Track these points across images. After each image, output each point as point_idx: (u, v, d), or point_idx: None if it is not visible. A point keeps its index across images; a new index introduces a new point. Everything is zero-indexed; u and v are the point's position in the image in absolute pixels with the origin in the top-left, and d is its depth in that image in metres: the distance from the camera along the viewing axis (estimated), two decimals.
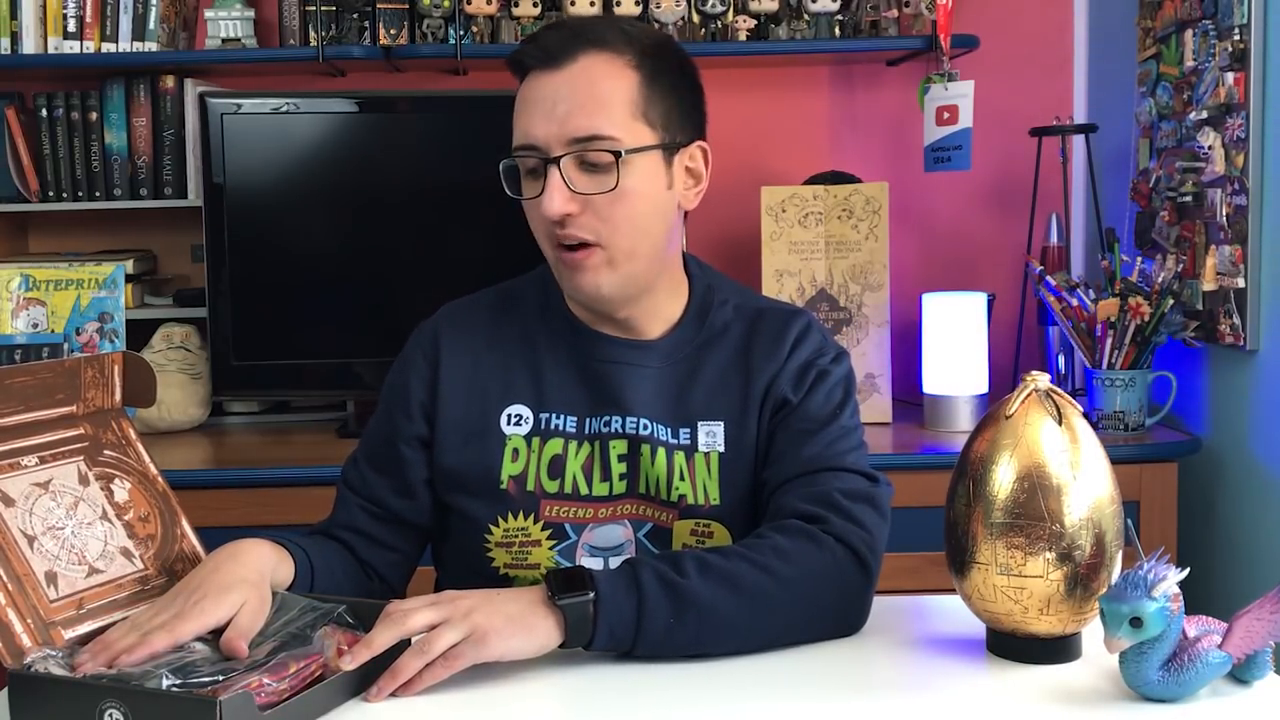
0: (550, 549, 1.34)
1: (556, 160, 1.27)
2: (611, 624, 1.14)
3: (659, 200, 1.32)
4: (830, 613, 1.23)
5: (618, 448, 1.35)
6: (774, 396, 1.36)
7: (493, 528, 1.35)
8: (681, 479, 1.34)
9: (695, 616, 1.16)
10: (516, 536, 1.35)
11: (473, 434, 1.36)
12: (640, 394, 1.36)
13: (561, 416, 1.36)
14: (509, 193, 1.33)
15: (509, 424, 1.36)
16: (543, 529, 1.34)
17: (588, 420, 1.36)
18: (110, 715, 0.97)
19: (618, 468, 1.35)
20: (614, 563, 1.34)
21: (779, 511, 1.29)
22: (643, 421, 1.35)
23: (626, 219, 1.29)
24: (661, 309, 1.39)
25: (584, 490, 1.35)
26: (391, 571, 1.41)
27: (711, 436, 1.35)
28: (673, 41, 1.40)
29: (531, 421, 1.36)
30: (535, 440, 1.36)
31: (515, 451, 1.36)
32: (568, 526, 1.35)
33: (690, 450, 1.35)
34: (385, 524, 1.39)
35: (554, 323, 1.40)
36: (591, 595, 1.14)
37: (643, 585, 1.15)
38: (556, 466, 1.35)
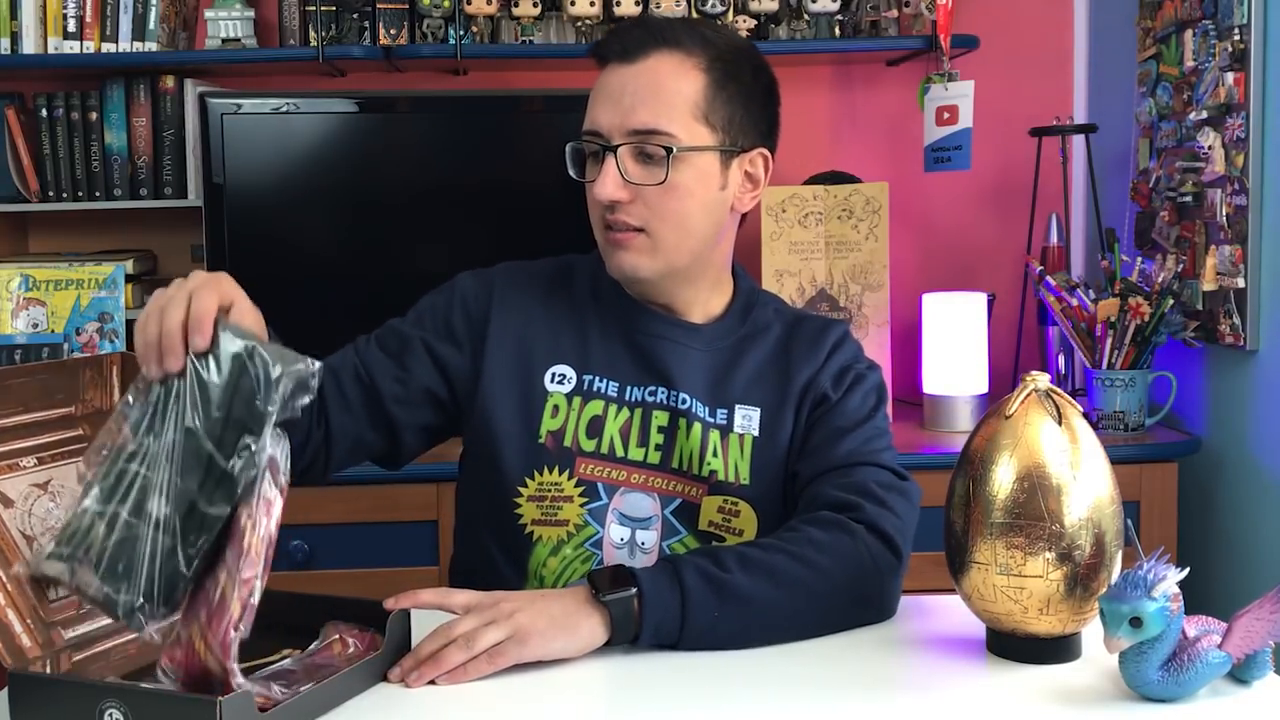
0: (581, 506, 1.38)
1: (615, 148, 1.34)
2: (658, 620, 1.17)
3: (709, 199, 1.38)
4: (864, 600, 1.26)
5: (659, 419, 1.39)
6: (814, 392, 1.41)
7: (528, 480, 1.38)
8: (715, 455, 1.38)
9: (737, 609, 1.19)
10: (549, 491, 1.38)
11: (516, 386, 1.40)
12: (684, 370, 1.40)
13: (604, 380, 1.41)
14: (572, 174, 1.40)
15: (552, 382, 1.41)
16: (576, 485, 1.38)
17: (629, 388, 1.40)
18: (110, 715, 0.97)
19: (656, 437, 1.39)
20: (640, 535, 1.38)
21: (814, 501, 1.33)
22: (682, 396, 1.39)
23: (674, 213, 1.35)
24: (703, 302, 1.45)
25: (620, 452, 1.39)
26: (336, 433, 1.38)
27: (747, 420, 1.40)
28: (753, 51, 1.44)
29: (574, 381, 1.41)
30: (576, 400, 1.40)
31: (555, 408, 1.40)
32: (600, 486, 1.38)
33: (726, 430, 1.39)
34: (363, 390, 1.40)
35: (604, 297, 1.45)
36: (635, 591, 1.16)
37: (685, 580, 1.18)
38: (595, 426, 1.39)
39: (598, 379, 1.40)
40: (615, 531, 1.38)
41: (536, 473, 1.38)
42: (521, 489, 1.38)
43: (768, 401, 1.41)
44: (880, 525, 1.28)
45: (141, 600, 1.01)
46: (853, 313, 2.43)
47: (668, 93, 1.34)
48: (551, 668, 1.15)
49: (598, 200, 1.35)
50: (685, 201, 1.35)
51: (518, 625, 1.13)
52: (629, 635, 1.17)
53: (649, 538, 1.38)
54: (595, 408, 1.39)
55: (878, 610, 1.27)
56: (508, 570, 1.40)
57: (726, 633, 1.19)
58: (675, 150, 1.33)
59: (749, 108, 1.39)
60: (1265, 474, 2.14)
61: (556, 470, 1.38)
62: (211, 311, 1.06)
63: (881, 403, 1.44)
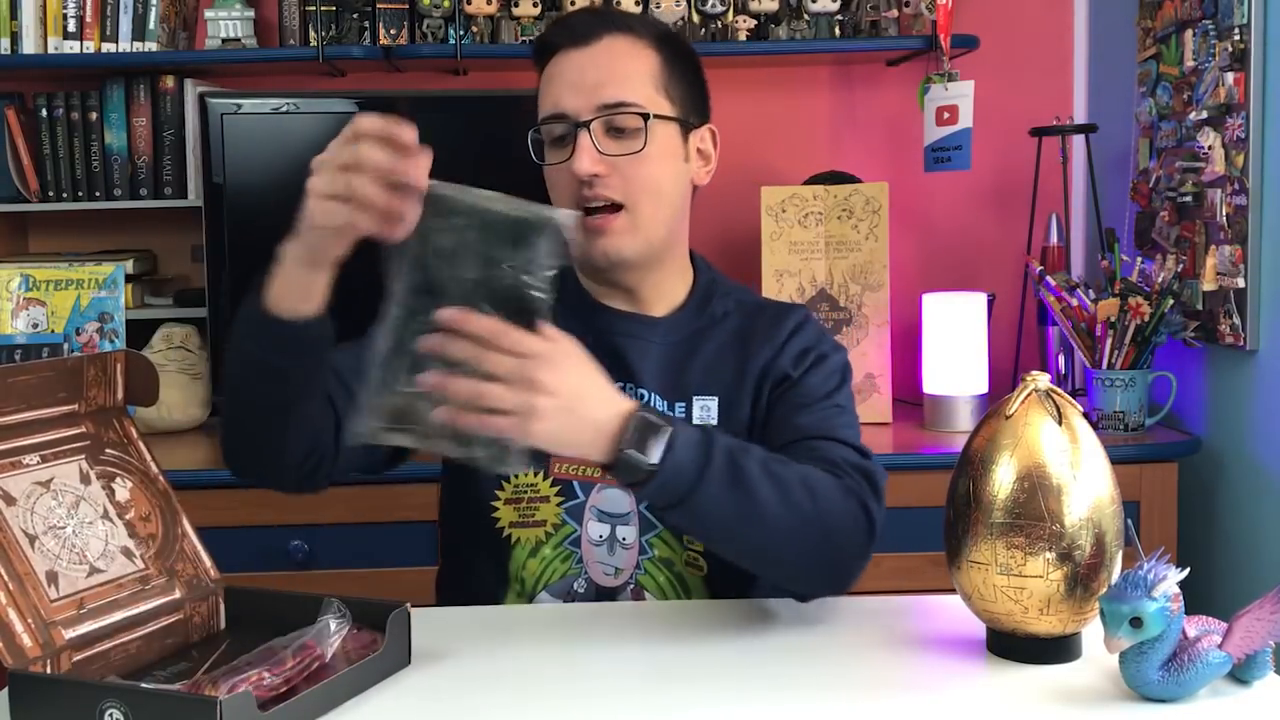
0: (558, 505, 1.38)
1: (586, 124, 1.35)
2: (667, 478, 1.14)
3: (677, 170, 1.41)
4: (834, 561, 1.24)
5: None
6: (774, 374, 1.40)
7: (504, 483, 1.38)
8: None
9: (741, 499, 1.17)
10: (525, 493, 1.38)
11: None
12: (644, 365, 1.41)
13: None
14: (536, 161, 1.41)
15: None
16: (551, 485, 1.38)
17: None
18: (110, 715, 0.97)
19: None
20: (620, 530, 1.38)
21: None
22: (641, 391, 1.40)
23: (651, 181, 1.37)
24: (667, 289, 1.45)
25: None
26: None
27: (705, 410, 1.40)
28: (682, 34, 1.48)
29: None
30: None
31: None
32: (576, 485, 1.38)
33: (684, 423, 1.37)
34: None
35: (568, 297, 1.44)
36: (656, 463, 1.13)
37: (712, 452, 1.16)
38: None
39: None
40: (594, 528, 1.38)
41: (512, 475, 1.38)
42: (499, 492, 1.39)
43: (724, 388, 1.40)
44: (869, 506, 1.25)
45: (497, 448, 1.09)
46: (853, 313, 2.43)
47: (629, 68, 1.38)
48: (550, 667, 1.15)
49: (574, 177, 1.35)
50: (658, 169, 1.38)
51: (534, 410, 1.09)
52: (631, 481, 1.14)
53: (628, 533, 1.38)
54: None
55: (842, 576, 1.25)
56: (489, 575, 1.40)
57: (719, 515, 1.17)
58: (651, 116, 1.36)
59: (695, 85, 1.44)
60: (1265, 474, 2.14)
61: (531, 472, 1.38)
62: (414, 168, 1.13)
63: (844, 383, 1.42)
